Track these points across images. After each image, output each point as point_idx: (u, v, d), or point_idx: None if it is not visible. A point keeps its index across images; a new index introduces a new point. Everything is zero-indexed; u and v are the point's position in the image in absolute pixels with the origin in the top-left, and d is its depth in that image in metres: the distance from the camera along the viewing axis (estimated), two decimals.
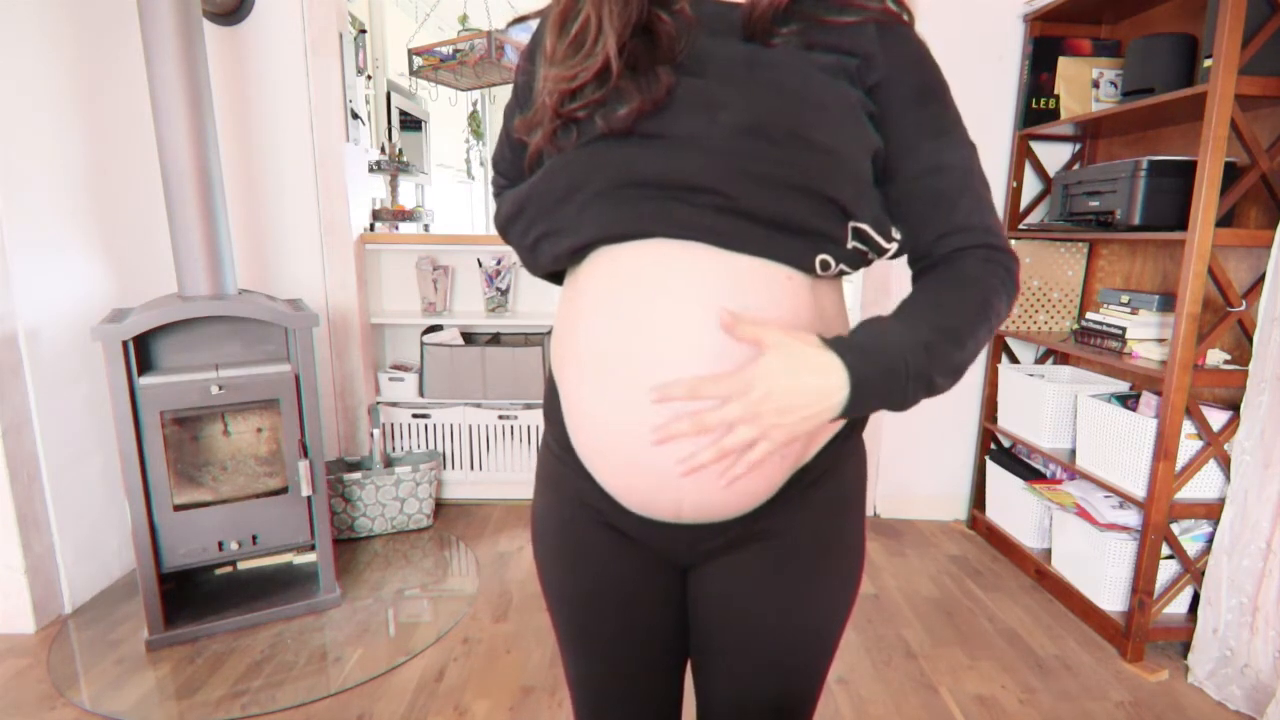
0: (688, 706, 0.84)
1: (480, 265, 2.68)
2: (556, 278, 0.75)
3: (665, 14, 0.63)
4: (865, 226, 0.63)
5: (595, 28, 0.62)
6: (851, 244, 0.64)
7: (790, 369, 0.55)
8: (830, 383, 0.56)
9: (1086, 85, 2.14)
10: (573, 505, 0.74)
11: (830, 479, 0.70)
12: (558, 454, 0.74)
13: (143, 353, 1.75)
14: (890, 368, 0.57)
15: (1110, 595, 1.87)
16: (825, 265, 0.63)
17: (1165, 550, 1.75)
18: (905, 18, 0.65)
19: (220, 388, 1.77)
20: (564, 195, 0.64)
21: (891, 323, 0.60)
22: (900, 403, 0.58)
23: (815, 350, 0.56)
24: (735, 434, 0.56)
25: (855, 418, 0.69)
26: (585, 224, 0.63)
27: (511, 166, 0.80)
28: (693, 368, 0.59)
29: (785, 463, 0.65)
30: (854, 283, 2.56)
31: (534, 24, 0.74)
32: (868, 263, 0.67)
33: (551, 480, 0.76)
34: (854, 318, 0.77)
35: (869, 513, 2.62)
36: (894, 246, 0.66)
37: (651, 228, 0.61)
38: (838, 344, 0.57)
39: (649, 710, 0.81)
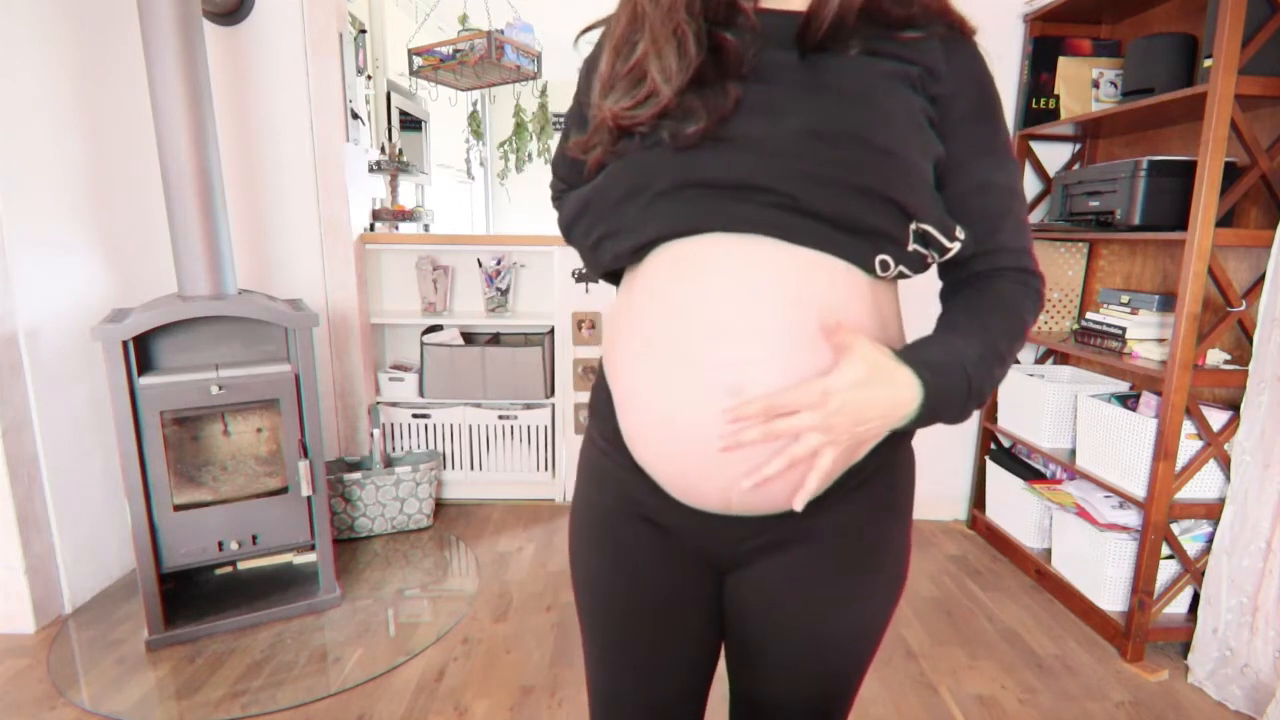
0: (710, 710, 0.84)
1: (480, 265, 2.68)
2: (615, 276, 0.75)
3: (730, 33, 0.63)
4: (928, 227, 0.63)
5: (651, 75, 0.62)
6: (913, 246, 0.64)
7: (868, 380, 0.56)
8: (904, 395, 0.58)
9: (1086, 85, 2.14)
10: (614, 499, 0.74)
11: (879, 481, 0.70)
12: (602, 448, 0.74)
13: (143, 353, 1.75)
14: (957, 385, 0.60)
15: (1110, 595, 1.88)
16: (885, 265, 0.63)
17: (1165, 550, 1.75)
18: (969, 30, 0.66)
19: (220, 388, 1.77)
20: (626, 196, 0.65)
21: (955, 339, 0.62)
22: (959, 417, 0.62)
23: (892, 362, 0.58)
24: (804, 441, 0.56)
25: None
26: (647, 223, 0.64)
27: (570, 171, 0.80)
28: (750, 352, 0.60)
29: (838, 462, 0.65)
30: None
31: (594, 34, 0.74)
32: (926, 266, 0.67)
33: (594, 475, 0.77)
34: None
35: None
36: (957, 246, 0.65)
37: (712, 223, 0.62)
38: (910, 358, 0.59)
39: (673, 713, 0.80)
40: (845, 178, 0.60)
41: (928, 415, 0.60)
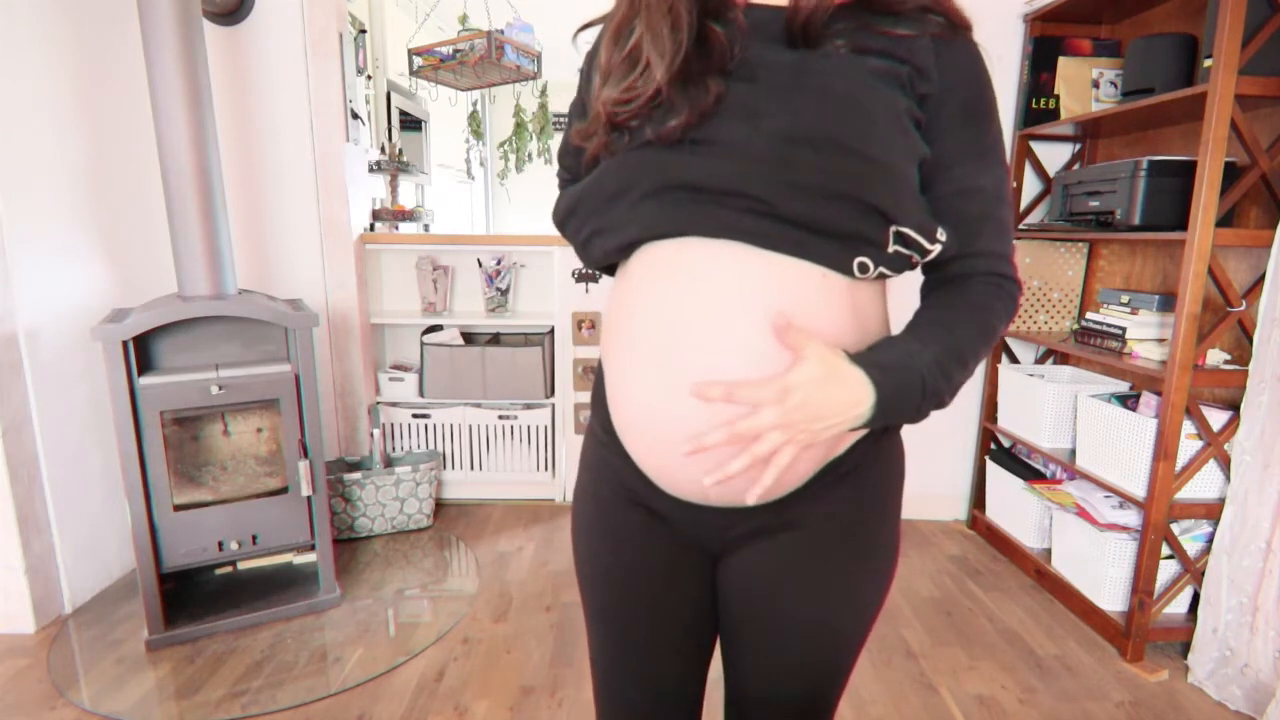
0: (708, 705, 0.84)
1: (480, 265, 2.68)
2: (612, 269, 0.77)
3: (718, 25, 0.64)
4: (908, 230, 0.63)
5: (646, 54, 0.64)
6: (893, 247, 0.64)
7: (825, 378, 0.58)
8: (857, 395, 0.59)
9: (1086, 85, 2.14)
10: (611, 486, 0.76)
11: (863, 474, 0.70)
12: (601, 438, 0.77)
13: (143, 353, 1.74)
14: (910, 385, 0.61)
15: (1110, 595, 1.87)
16: (863, 268, 0.63)
17: (1165, 550, 1.75)
18: (963, 27, 0.65)
19: (220, 388, 1.77)
20: (612, 197, 0.67)
21: (912, 343, 0.63)
22: (913, 417, 0.63)
23: (844, 363, 0.59)
24: (765, 440, 0.58)
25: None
26: (631, 224, 0.66)
27: (575, 160, 0.82)
28: (726, 356, 0.62)
29: (813, 457, 0.66)
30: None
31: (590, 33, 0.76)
32: (912, 266, 0.67)
33: (593, 463, 0.79)
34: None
35: None
36: (938, 248, 0.65)
37: (691, 228, 0.63)
38: (864, 360, 0.60)
39: (670, 696, 0.81)
40: (823, 184, 0.60)
41: (881, 415, 0.60)
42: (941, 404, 0.64)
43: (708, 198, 0.62)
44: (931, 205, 0.66)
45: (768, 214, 0.61)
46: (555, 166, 0.88)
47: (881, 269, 0.64)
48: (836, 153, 0.60)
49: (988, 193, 0.67)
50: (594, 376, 0.79)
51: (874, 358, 0.61)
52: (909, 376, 0.61)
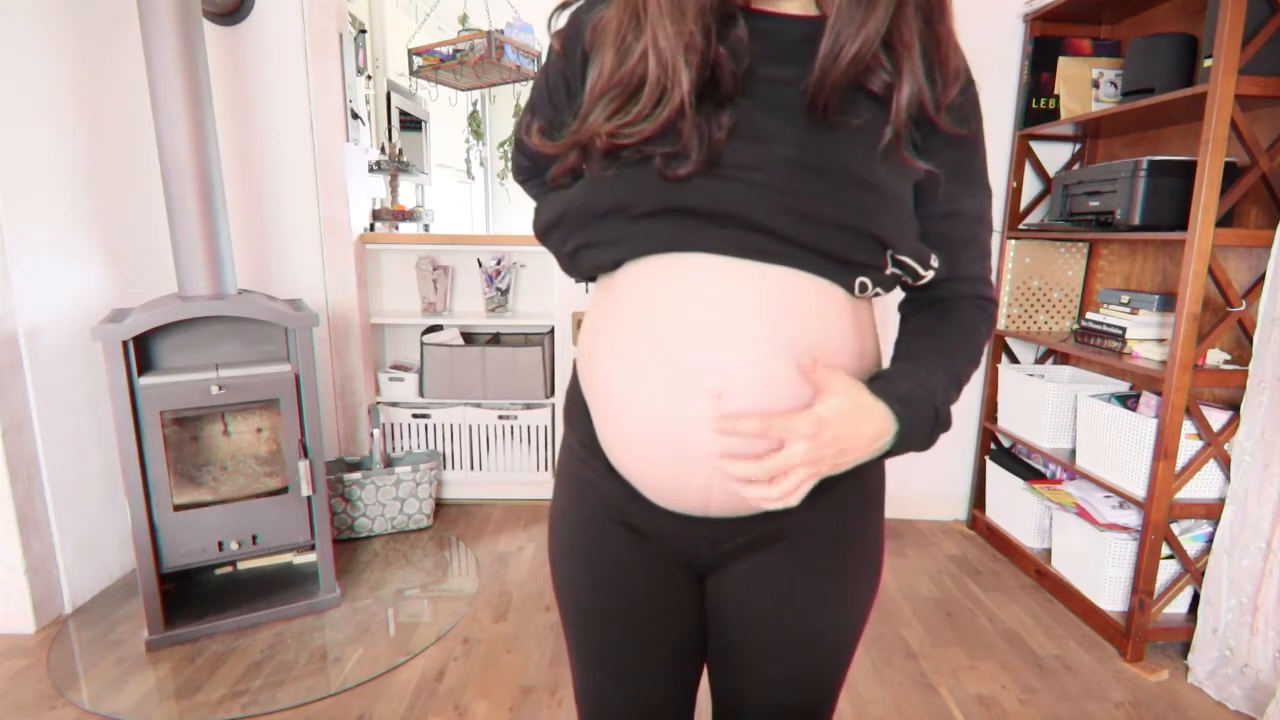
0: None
1: (480, 265, 2.68)
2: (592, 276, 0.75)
3: (724, 47, 0.59)
4: (905, 258, 0.64)
5: (657, 82, 0.58)
6: (890, 270, 0.65)
7: (854, 415, 0.58)
8: (880, 429, 0.60)
9: (1086, 85, 2.14)
10: (593, 506, 0.74)
11: (849, 479, 0.69)
12: (580, 456, 0.74)
13: (143, 353, 1.75)
14: (926, 416, 0.62)
15: (1110, 595, 1.88)
16: (863, 287, 0.64)
17: (1165, 550, 1.75)
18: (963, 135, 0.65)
19: (220, 388, 1.77)
20: (606, 213, 0.64)
21: (920, 372, 0.64)
22: (923, 446, 0.63)
23: (869, 398, 0.59)
24: (790, 477, 0.57)
25: None
26: (629, 240, 0.64)
27: (536, 162, 0.78)
28: (730, 355, 0.61)
29: None
30: None
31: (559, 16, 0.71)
32: (902, 286, 0.69)
33: (572, 483, 0.76)
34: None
35: None
36: (930, 274, 0.67)
37: (696, 245, 0.62)
38: (883, 393, 0.60)
39: (657, 718, 0.79)
40: (832, 214, 0.60)
41: (898, 448, 0.62)
42: (946, 430, 0.65)
43: (713, 220, 0.60)
44: (918, 225, 0.67)
45: (774, 236, 0.60)
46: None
47: (878, 289, 0.66)
48: (845, 182, 0.60)
49: (971, 216, 0.68)
50: (568, 389, 0.76)
51: (893, 390, 0.61)
52: (925, 408, 0.61)
